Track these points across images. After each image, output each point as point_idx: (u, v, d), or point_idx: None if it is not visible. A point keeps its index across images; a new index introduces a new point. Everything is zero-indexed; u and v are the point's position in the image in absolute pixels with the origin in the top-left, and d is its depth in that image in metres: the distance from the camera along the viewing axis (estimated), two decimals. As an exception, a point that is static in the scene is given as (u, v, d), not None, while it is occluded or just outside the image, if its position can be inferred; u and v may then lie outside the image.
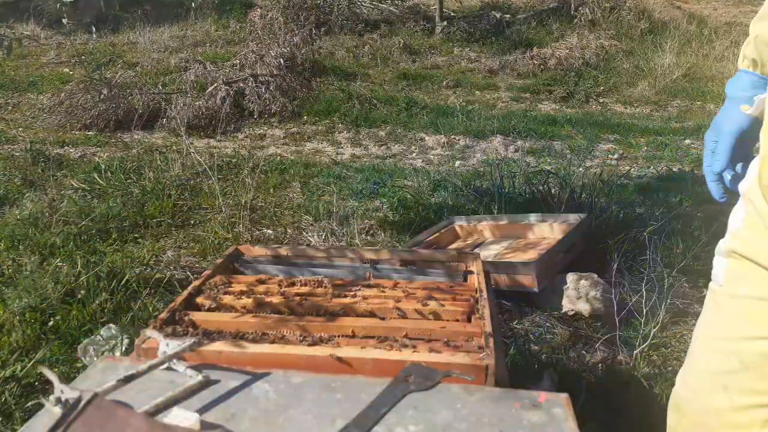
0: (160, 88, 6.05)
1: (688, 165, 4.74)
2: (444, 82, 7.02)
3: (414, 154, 5.04)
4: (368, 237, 3.39)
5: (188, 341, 1.06)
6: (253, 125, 5.56)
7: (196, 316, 1.37)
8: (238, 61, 6.35)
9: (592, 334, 2.48)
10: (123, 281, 2.63)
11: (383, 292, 1.52)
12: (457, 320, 1.39)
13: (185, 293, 1.47)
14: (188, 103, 5.39)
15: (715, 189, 1.11)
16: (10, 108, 5.78)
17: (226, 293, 1.51)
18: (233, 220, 3.46)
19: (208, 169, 3.85)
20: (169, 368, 1.02)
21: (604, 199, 3.64)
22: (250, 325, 1.34)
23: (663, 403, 2.07)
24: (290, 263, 1.80)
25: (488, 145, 5.23)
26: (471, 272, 1.70)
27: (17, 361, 2.16)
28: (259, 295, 1.49)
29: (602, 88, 6.93)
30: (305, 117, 5.76)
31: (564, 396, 0.87)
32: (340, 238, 3.28)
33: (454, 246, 3.24)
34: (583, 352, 2.39)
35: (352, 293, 1.50)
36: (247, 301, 1.46)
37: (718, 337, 1.03)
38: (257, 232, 3.45)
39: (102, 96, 5.32)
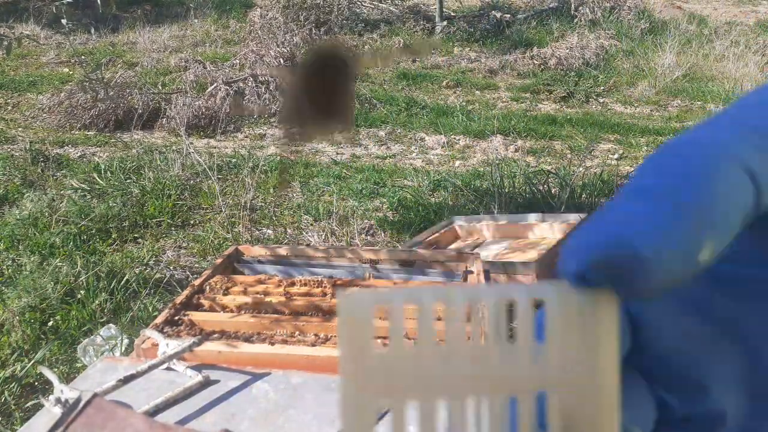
0: (160, 88, 6.04)
1: (688, 165, 4.74)
2: (444, 82, 7.02)
3: (414, 154, 5.04)
4: (368, 237, 3.39)
5: (188, 341, 1.06)
6: (252, 125, 5.56)
7: (196, 316, 1.37)
8: (237, 61, 6.34)
9: (592, 334, 2.48)
10: (123, 281, 2.63)
11: (383, 292, 1.52)
12: (457, 320, 1.39)
13: (185, 293, 1.47)
14: (188, 103, 5.39)
15: None
16: (9, 108, 5.78)
17: (225, 293, 1.51)
18: (233, 220, 3.46)
19: (207, 169, 3.85)
20: (168, 368, 1.02)
21: (604, 199, 3.64)
22: (249, 326, 1.34)
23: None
24: (290, 263, 1.80)
25: (488, 145, 5.23)
26: (471, 272, 1.70)
27: (17, 361, 2.15)
28: (258, 296, 1.49)
29: (602, 88, 6.93)
30: (305, 117, 5.75)
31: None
32: (340, 238, 3.28)
33: (454, 246, 3.24)
34: (583, 352, 2.39)
35: (352, 293, 1.50)
36: (246, 301, 1.46)
37: None
38: (257, 232, 3.45)
39: (101, 96, 5.32)
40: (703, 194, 0.20)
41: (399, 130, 5.52)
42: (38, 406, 1.88)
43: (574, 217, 3.05)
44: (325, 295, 1.49)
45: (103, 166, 4.20)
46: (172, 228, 3.47)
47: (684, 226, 0.19)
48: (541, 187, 3.62)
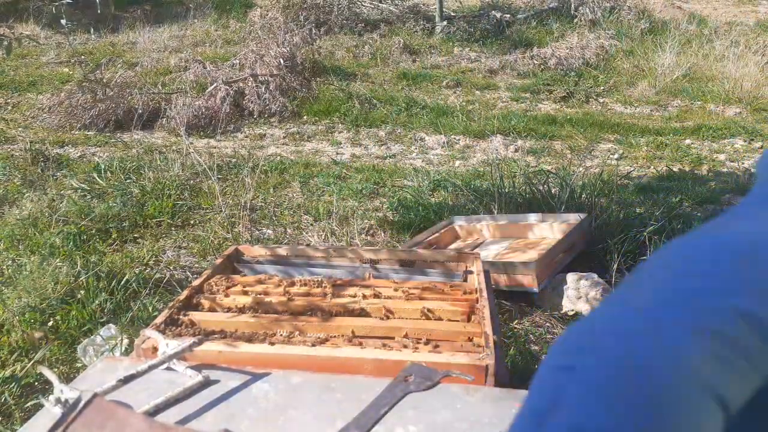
0: (160, 88, 6.04)
1: (688, 165, 4.74)
2: (444, 82, 7.02)
3: (414, 154, 5.04)
4: (368, 237, 3.39)
5: (188, 341, 1.06)
6: (252, 125, 5.56)
7: (196, 316, 1.37)
8: (237, 61, 6.34)
9: (592, 334, 2.48)
10: (123, 281, 2.63)
11: (383, 292, 1.52)
12: (457, 320, 1.39)
13: (185, 293, 1.47)
14: (188, 103, 5.39)
15: None
16: (10, 108, 5.78)
17: (225, 294, 1.51)
18: (233, 220, 3.46)
19: (207, 169, 3.85)
20: (168, 368, 1.02)
21: (604, 199, 3.64)
22: (249, 326, 1.34)
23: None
24: (290, 263, 1.80)
25: (488, 145, 5.23)
26: (471, 272, 1.70)
27: (17, 361, 2.15)
28: (258, 296, 1.49)
29: (602, 88, 6.92)
30: (305, 117, 5.75)
31: (564, 396, 0.87)
32: (340, 238, 3.28)
33: (454, 246, 3.24)
34: (583, 352, 2.39)
35: (352, 293, 1.50)
36: (246, 301, 1.46)
37: None
38: (257, 232, 3.45)
39: (101, 96, 5.32)
40: None
41: (399, 130, 5.52)
42: (38, 406, 1.88)
43: (574, 217, 3.05)
44: (325, 295, 1.49)
45: (103, 166, 4.20)
46: (172, 228, 3.47)
47: None
48: (541, 187, 3.62)
